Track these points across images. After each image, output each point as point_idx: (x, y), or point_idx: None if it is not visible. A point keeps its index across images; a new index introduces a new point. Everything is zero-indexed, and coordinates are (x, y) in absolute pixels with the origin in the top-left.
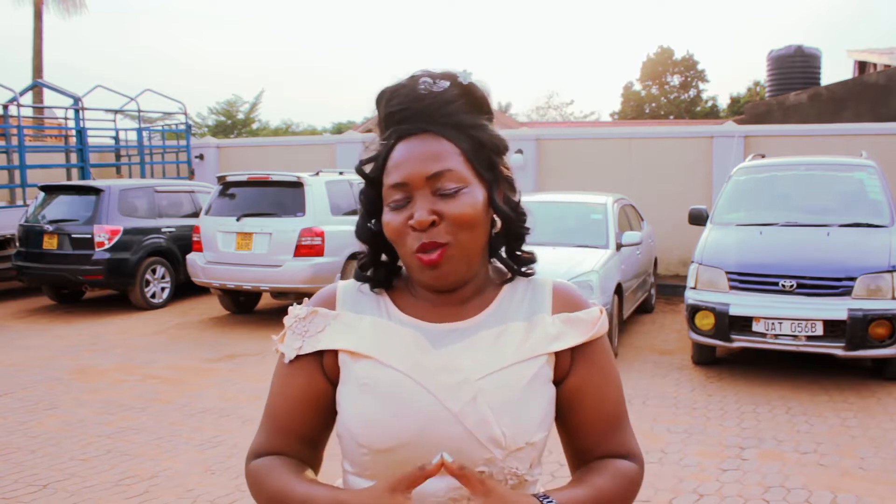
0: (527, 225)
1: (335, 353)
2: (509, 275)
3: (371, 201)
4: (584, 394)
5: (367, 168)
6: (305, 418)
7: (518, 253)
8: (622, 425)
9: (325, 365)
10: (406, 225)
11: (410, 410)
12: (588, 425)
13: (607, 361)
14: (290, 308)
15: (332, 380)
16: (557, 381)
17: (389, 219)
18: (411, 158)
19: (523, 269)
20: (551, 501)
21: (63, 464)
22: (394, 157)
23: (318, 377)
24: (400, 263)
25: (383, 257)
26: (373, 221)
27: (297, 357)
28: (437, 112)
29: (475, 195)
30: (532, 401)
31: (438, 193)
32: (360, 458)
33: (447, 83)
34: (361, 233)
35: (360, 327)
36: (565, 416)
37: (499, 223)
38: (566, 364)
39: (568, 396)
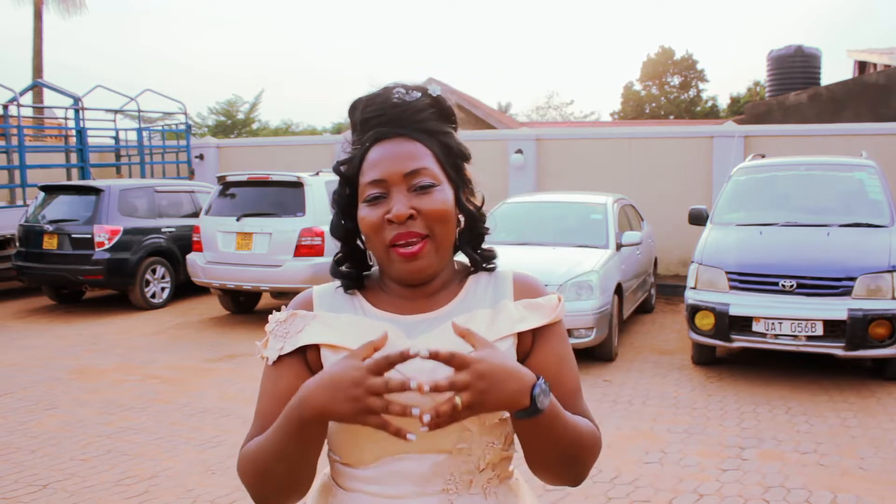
0: (487, 225)
1: (318, 350)
2: (471, 269)
3: (345, 200)
4: (544, 372)
5: (344, 168)
6: None
7: (480, 250)
8: (579, 400)
9: (309, 362)
10: (383, 219)
11: (391, 396)
12: None
13: (564, 343)
14: (270, 315)
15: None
16: (520, 362)
17: (366, 214)
18: (389, 157)
19: (486, 265)
20: (545, 383)
21: (63, 464)
22: (371, 157)
23: (304, 374)
24: (370, 262)
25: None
26: (344, 220)
27: (281, 358)
28: (411, 118)
29: (446, 193)
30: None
31: (413, 190)
32: (345, 445)
33: (419, 94)
34: (336, 230)
35: (338, 325)
36: None
37: (462, 222)
38: (527, 346)
39: None
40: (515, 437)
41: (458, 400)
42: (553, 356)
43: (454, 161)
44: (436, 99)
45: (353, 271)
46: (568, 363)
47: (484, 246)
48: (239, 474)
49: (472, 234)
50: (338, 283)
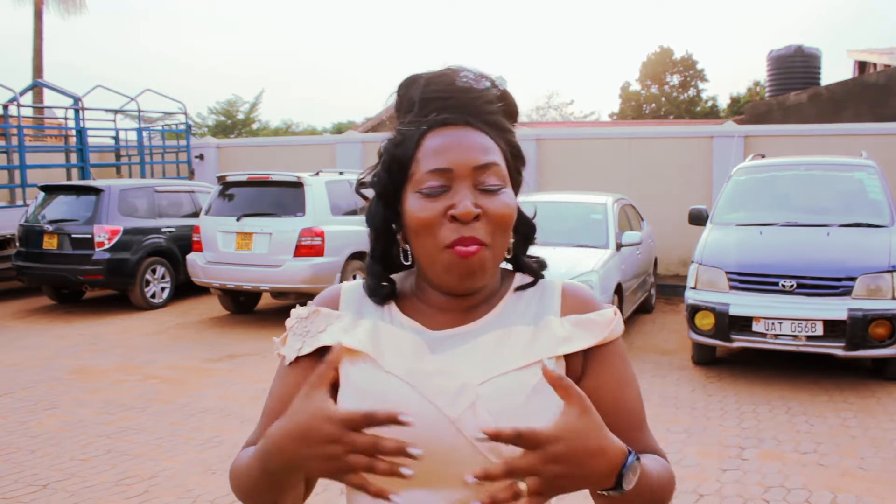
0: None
1: None
2: (515, 280)
3: (386, 186)
4: (598, 399)
5: (397, 150)
6: None
7: (529, 257)
8: (643, 430)
9: None
10: (443, 215)
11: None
12: None
13: (623, 365)
14: (292, 310)
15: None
16: None
17: (421, 207)
18: (458, 146)
19: (539, 273)
20: (636, 459)
21: (63, 464)
22: (433, 143)
23: None
24: (405, 262)
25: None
26: (385, 209)
27: (298, 358)
28: (481, 108)
29: (512, 197)
30: (538, 407)
31: (480, 188)
32: None
33: (488, 83)
34: (376, 219)
35: (360, 330)
36: None
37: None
38: (578, 368)
39: None
40: None
41: (522, 486)
42: (611, 381)
43: (518, 164)
44: (504, 92)
45: (388, 286)
46: (629, 389)
47: (534, 254)
48: (230, 483)
49: (526, 242)
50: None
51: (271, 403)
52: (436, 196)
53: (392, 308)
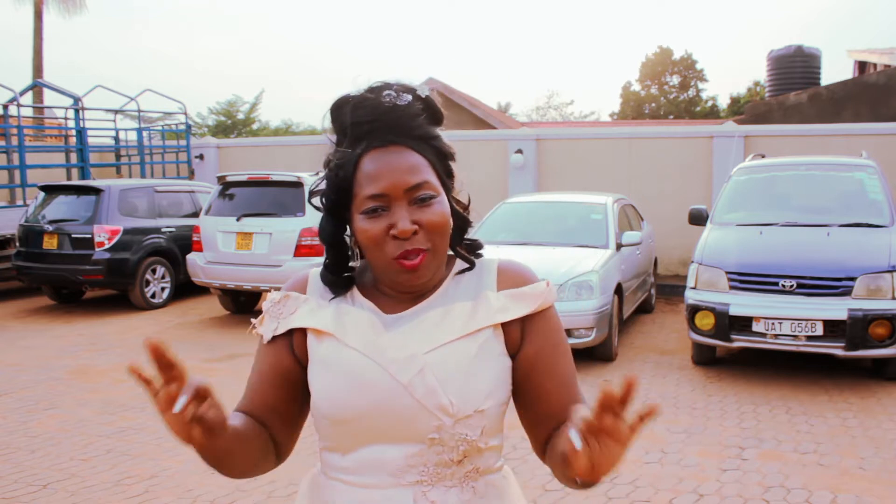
0: (470, 219)
1: (304, 333)
2: (456, 263)
3: (334, 204)
4: (537, 363)
5: (337, 173)
6: (274, 391)
7: (467, 242)
8: (574, 388)
9: (294, 344)
10: (385, 234)
11: (365, 384)
12: (544, 393)
13: (557, 332)
14: (267, 294)
15: (301, 359)
16: (512, 355)
17: (367, 226)
18: (389, 170)
19: (475, 254)
20: None
21: (63, 464)
22: (368, 168)
23: (286, 355)
24: (354, 262)
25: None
26: (335, 226)
27: (274, 337)
28: (406, 125)
29: (444, 203)
30: (479, 371)
31: (414, 202)
32: (326, 431)
33: (410, 97)
34: (328, 236)
35: (325, 311)
36: (522, 387)
37: (452, 224)
38: (517, 337)
39: (522, 367)
40: (499, 429)
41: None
42: (546, 345)
43: (446, 165)
44: (426, 101)
45: (343, 279)
46: (562, 351)
47: (470, 237)
48: None
49: (462, 233)
50: None
51: (252, 377)
52: (377, 216)
53: (354, 291)
